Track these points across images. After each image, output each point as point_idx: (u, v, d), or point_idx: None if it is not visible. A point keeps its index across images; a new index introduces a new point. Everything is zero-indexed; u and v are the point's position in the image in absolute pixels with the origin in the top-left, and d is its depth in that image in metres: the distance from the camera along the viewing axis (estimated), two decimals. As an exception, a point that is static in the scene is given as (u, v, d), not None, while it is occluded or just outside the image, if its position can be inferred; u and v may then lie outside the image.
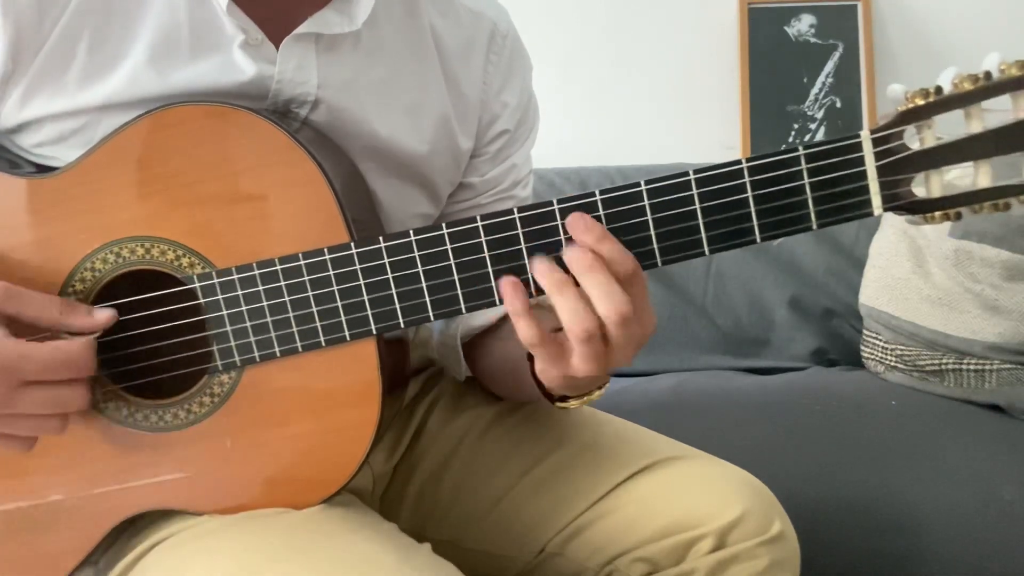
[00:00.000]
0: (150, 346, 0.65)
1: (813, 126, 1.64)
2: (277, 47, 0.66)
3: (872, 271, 1.39)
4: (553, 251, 0.60)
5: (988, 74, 0.54)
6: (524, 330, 0.59)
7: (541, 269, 0.59)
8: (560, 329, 0.60)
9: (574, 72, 1.69)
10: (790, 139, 1.65)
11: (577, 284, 0.58)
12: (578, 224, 0.59)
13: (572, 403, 0.71)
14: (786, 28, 1.65)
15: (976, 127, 0.55)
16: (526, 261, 0.61)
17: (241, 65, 0.65)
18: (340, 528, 0.64)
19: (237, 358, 0.64)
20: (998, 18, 1.61)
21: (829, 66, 1.64)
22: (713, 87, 1.67)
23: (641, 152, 1.61)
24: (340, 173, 0.65)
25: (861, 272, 1.41)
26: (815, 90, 1.64)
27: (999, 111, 0.54)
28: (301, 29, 0.65)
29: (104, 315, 0.62)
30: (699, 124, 1.68)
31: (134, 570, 0.66)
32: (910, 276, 1.32)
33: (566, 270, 0.59)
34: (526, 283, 0.61)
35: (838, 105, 1.63)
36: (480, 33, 0.77)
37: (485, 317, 0.79)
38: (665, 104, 1.69)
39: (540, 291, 0.60)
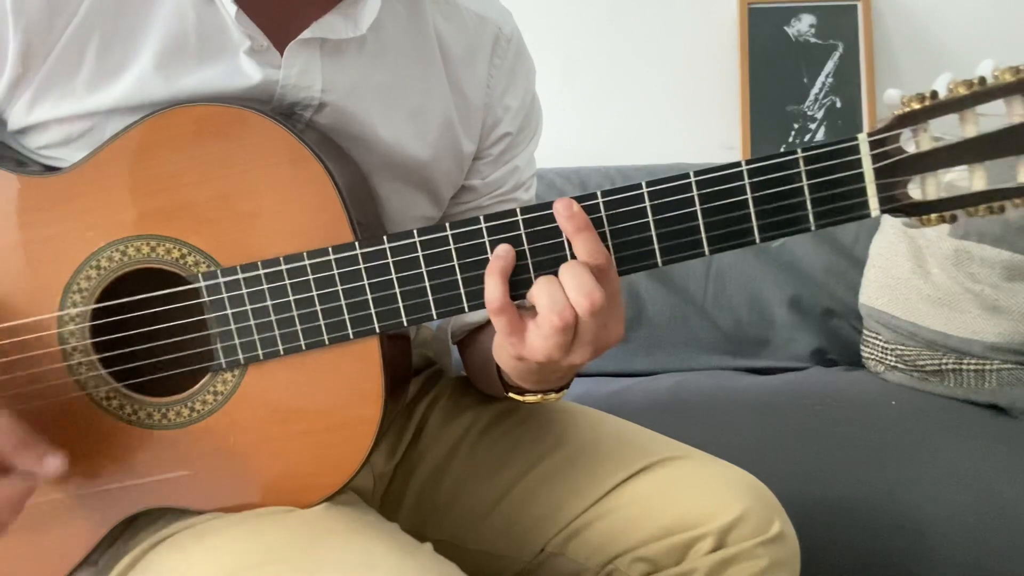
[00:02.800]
0: (154, 344, 0.65)
1: (813, 126, 1.64)
2: (282, 52, 0.66)
3: (872, 271, 1.39)
4: (555, 251, 0.61)
5: (982, 79, 0.55)
6: (491, 289, 0.60)
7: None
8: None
9: (574, 72, 1.69)
10: (790, 139, 1.65)
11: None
12: (563, 209, 0.60)
13: (528, 397, 0.71)
14: (786, 28, 1.66)
15: (971, 131, 0.56)
16: (528, 261, 0.61)
17: (247, 71, 0.65)
18: (342, 527, 0.64)
19: (241, 356, 0.64)
20: (997, 18, 1.61)
21: (829, 66, 1.64)
22: (713, 87, 1.68)
23: (641, 152, 1.61)
24: (345, 173, 0.66)
25: (861, 272, 1.41)
26: (815, 90, 1.64)
27: (994, 116, 0.54)
28: (306, 34, 0.66)
29: (53, 465, 0.58)
30: (699, 124, 1.68)
31: (135, 570, 0.66)
32: (910, 276, 1.32)
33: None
34: (527, 282, 0.61)
35: (838, 105, 1.63)
36: (484, 37, 0.77)
37: (478, 315, 0.80)
38: (665, 104, 1.70)
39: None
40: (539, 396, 0.71)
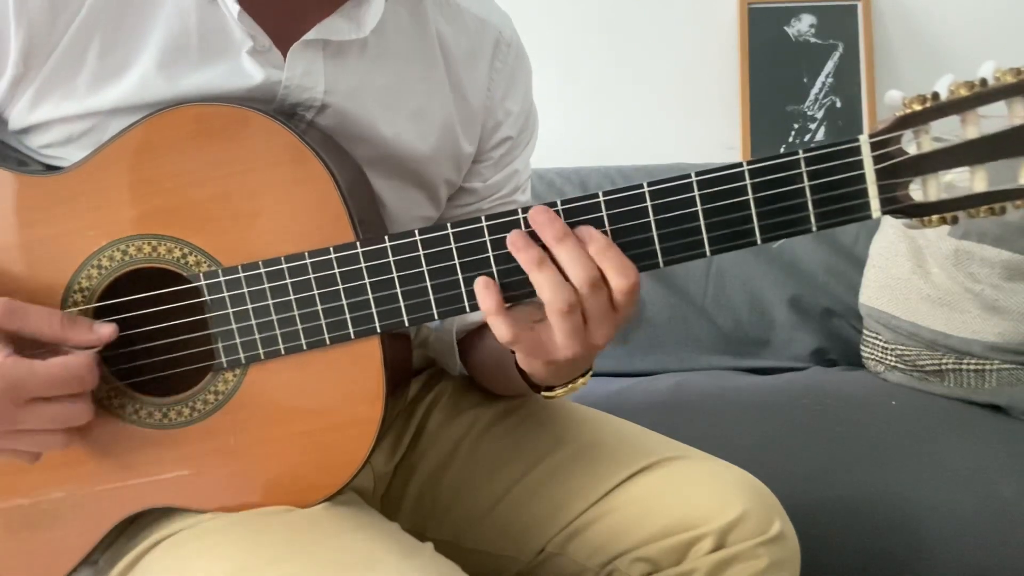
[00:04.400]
0: (155, 343, 0.65)
1: (813, 126, 1.64)
2: (284, 53, 0.66)
3: (872, 271, 1.39)
4: None
5: (984, 81, 0.55)
6: (499, 328, 0.60)
7: (518, 244, 0.60)
8: (539, 320, 0.62)
9: (574, 72, 1.69)
10: (790, 139, 1.65)
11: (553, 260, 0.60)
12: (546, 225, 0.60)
13: (558, 391, 0.72)
14: (786, 28, 1.66)
15: (972, 133, 0.56)
16: None
17: (249, 71, 0.66)
18: (343, 527, 0.64)
19: (242, 356, 0.64)
20: (997, 17, 1.61)
21: (829, 66, 1.64)
22: (713, 87, 1.68)
23: (641, 152, 1.61)
24: (346, 173, 0.66)
25: (861, 272, 1.42)
26: (815, 90, 1.64)
27: (995, 117, 0.55)
28: (309, 35, 0.66)
29: (106, 330, 0.62)
30: (699, 124, 1.68)
31: (135, 570, 0.66)
32: (910, 276, 1.33)
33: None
34: (523, 282, 0.61)
35: (838, 105, 1.63)
36: (485, 40, 0.78)
37: (481, 313, 0.80)
38: (665, 104, 1.70)
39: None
40: (568, 387, 0.72)
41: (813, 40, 1.65)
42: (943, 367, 1.28)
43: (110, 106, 0.64)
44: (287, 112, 0.68)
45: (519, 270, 0.61)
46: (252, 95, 0.66)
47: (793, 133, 1.64)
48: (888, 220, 1.38)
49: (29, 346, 0.60)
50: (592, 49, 1.70)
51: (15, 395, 0.58)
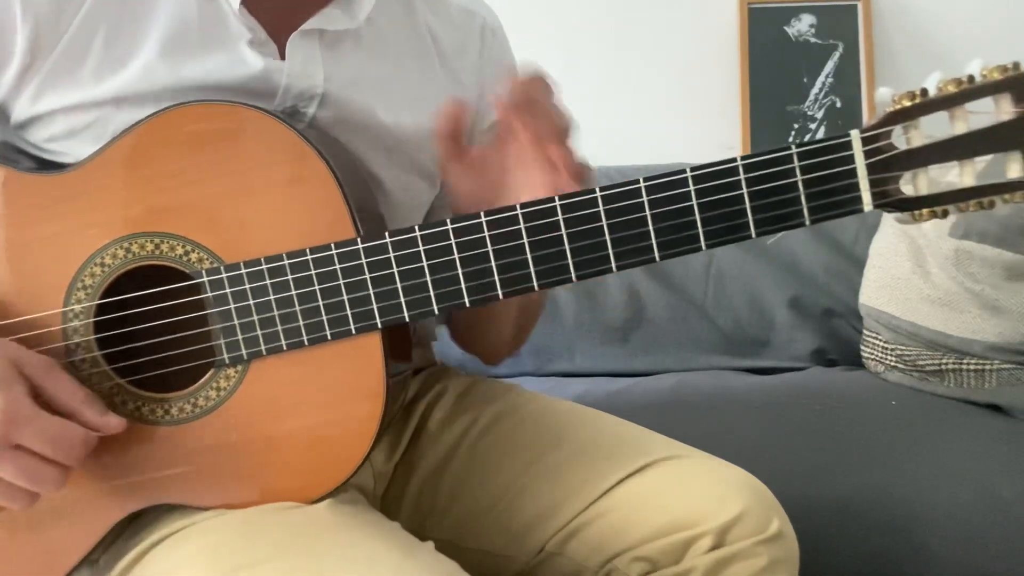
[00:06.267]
0: (157, 340, 0.66)
1: (813, 126, 1.64)
2: (279, 47, 0.68)
3: (872, 271, 1.39)
4: (556, 246, 0.62)
5: (971, 77, 0.56)
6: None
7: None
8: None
9: (574, 72, 1.69)
10: (790, 139, 1.65)
11: None
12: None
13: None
14: (786, 28, 1.66)
15: (960, 128, 0.57)
16: (528, 256, 0.62)
17: (249, 60, 0.67)
18: (343, 525, 0.64)
19: (244, 352, 0.65)
20: (997, 18, 1.61)
21: (829, 66, 1.64)
22: (713, 87, 1.68)
23: (641, 152, 1.61)
24: (346, 170, 0.66)
25: (861, 272, 1.41)
26: (815, 90, 1.64)
27: (983, 113, 0.55)
28: (306, 25, 0.68)
29: (114, 422, 0.62)
30: (699, 124, 1.68)
31: (136, 568, 0.66)
32: (910, 276, 1.33)
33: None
34: (527, 277, 0.62)
35: (838, 105, 1.64)
36: (472, 30, 0.81)
37: None
38: (665, 104, 1.70)
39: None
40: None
41: (813, 40, 1.65)
42: (943, 367, 1.28)
43: (114, 94, 0.65)
44: (288, 111, 0.69)
45: (518, 265, 0.62)
46: (253, 84, 0.67)
47: (793, 133, 1.65)
48: (888, 220, 1.38)
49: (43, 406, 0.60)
50: (592, 49, 1.70)
51: (7, 432, 0.58)
